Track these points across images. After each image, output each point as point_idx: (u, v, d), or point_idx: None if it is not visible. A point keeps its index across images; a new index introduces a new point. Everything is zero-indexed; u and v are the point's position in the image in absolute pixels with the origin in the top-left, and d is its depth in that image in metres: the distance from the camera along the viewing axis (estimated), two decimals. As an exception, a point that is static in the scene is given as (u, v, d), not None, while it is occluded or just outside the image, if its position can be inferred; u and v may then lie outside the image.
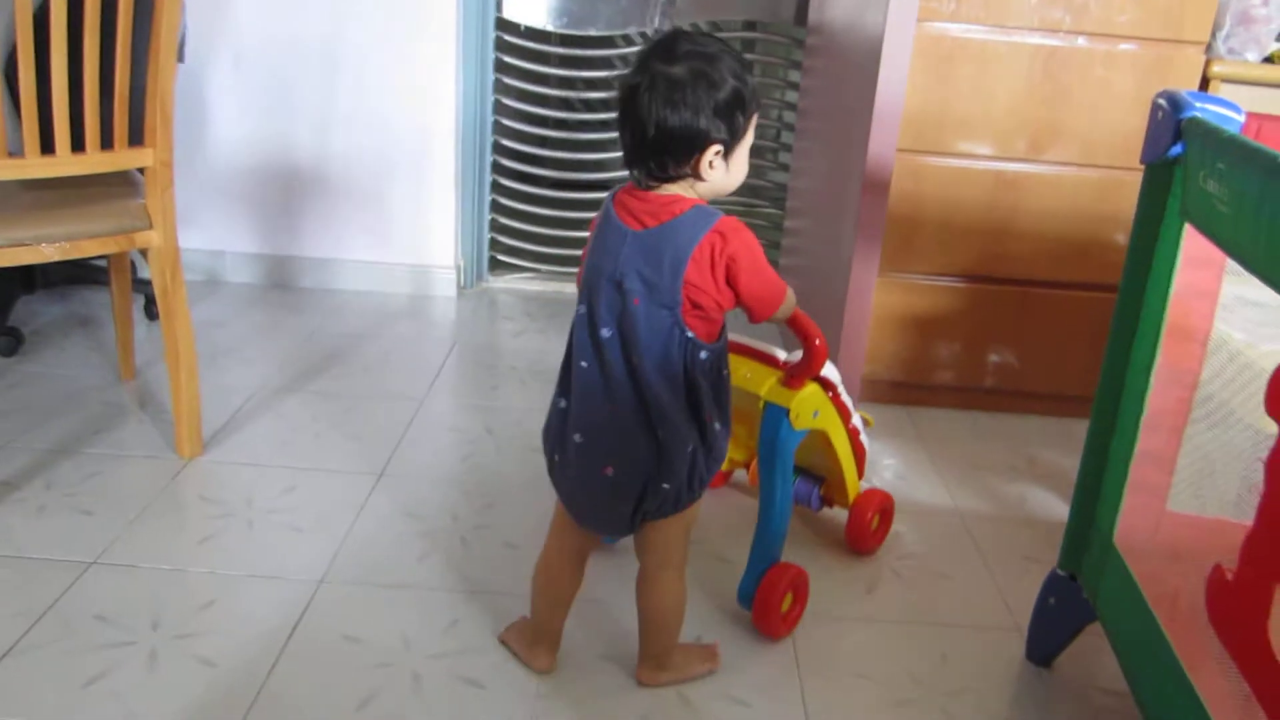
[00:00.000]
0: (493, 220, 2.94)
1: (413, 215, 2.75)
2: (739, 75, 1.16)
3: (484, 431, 2.02)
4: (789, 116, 2.95)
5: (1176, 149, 1.18)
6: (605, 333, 1.20)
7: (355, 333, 2.49)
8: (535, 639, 1.37)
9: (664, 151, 1.15)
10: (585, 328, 1.23)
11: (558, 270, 2.97)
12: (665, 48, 1.15)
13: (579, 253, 2.90)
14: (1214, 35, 2.05)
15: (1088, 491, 1.36)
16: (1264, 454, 0.99)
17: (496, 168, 2.91)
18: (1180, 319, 1.25)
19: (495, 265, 2.99)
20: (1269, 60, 2.10)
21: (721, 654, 1.40)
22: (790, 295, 1.28)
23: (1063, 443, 2.13)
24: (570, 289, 2.94)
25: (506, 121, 2.86)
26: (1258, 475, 1.07)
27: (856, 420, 1.64)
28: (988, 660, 1.44)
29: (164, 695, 1.27)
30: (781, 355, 1.56)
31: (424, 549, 1.61)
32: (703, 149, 1.15)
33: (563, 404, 1.30)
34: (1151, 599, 1.15)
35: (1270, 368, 1.28)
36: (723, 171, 1.17)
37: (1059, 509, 1.87)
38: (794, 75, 2.91)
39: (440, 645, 1.39)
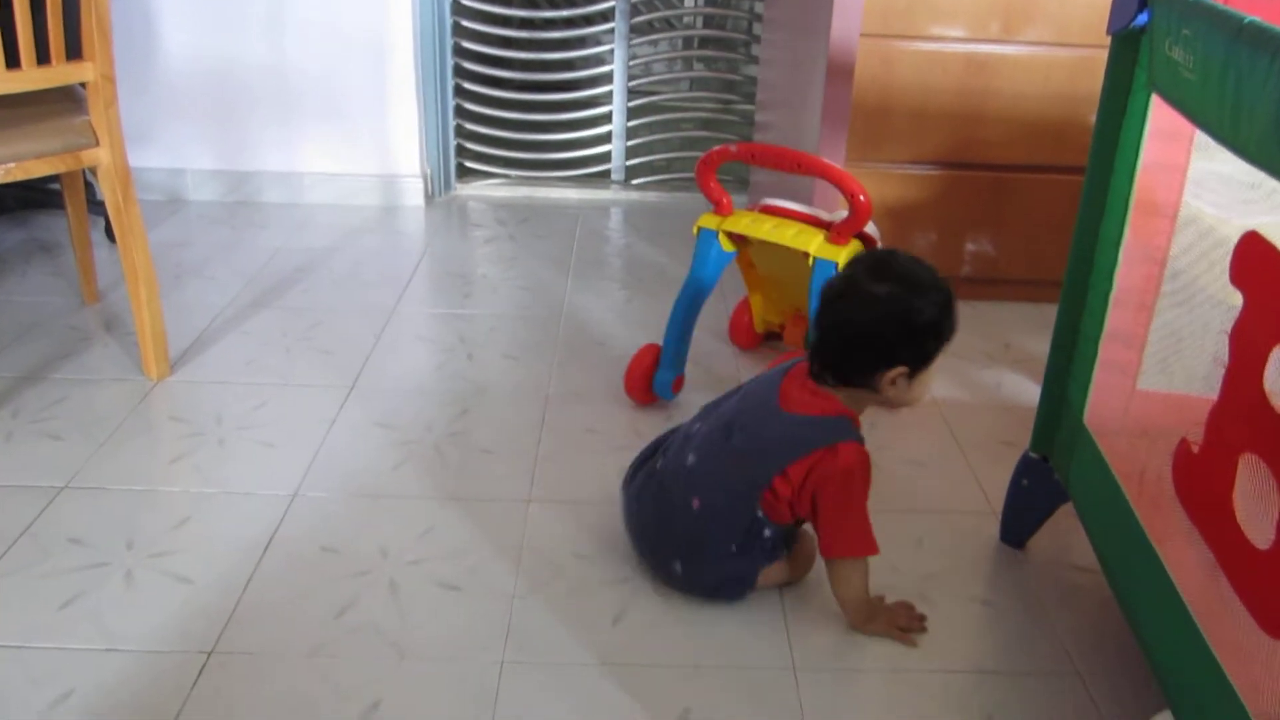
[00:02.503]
0: (459, 126, 2.87)
1: (375, 124, 2.68)
2: (940, 306, 1.19)
3: (456, 340, 2.01)
4: (759, 6, 2.87)
5: (1143, 17, 1.14)
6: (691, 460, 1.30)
7: (322, 246, 2.45)
8: None
9: (847, 363, 1.21)
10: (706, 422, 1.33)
11: (527, 175, 2.92)
12: (877, 265, 1.22)
13: (549, 156, 2.87)
14: (1189, -99, 1.98)
15: (1059, 372, 1.35)
16: (1229, 327, 0.98)
17: (460, 71, 2.83)
18: (1148, 194, 1.23)
19: (463, 172, 2.93)
20: (1245, -74, 2.03)
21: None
22: (863, 565, 1.25)
23: (1039, 328, 2.12)
24: (541, 192, 2.89)
25: (467, 23, 2.78)
26: (1224, 349, 1.06)
27: None
28: (963, 544, 1.46)
29: (141, 613, 1.27)
30: (825, 215, 1.67)
31: (398, 458, 1.61)
32: (887, 369, 1.19)
33: (696, 426, 1.35)
34: (1121, 476, 1.15)
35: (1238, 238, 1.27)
36: (904, 390, 1.22)
37: (1034, 393, 1.86)
38: (762, -38, 2.82)
39: (417, 552, 1.39)
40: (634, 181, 2.94)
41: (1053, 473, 1.37)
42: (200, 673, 1.18)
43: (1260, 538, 0.86)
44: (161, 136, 2.67)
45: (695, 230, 1.70)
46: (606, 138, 2.92)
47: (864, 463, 1.22)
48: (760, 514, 1.25)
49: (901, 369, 1.20)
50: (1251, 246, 0.93)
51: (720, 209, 1.70)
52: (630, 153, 2.94)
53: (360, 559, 1.38)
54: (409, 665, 1.20)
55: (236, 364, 1.88)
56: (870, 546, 1.23)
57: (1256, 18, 0.90)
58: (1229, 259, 0.96)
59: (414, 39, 2.60)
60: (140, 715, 1.12)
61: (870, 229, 1.65)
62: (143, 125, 2.62)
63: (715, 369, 1.92)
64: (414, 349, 1.97)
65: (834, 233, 1.61)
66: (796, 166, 1.63)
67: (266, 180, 2.72)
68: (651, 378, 1.74)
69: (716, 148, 1.68)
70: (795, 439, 1.22)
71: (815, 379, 1.24)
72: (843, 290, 1.22)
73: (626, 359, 1.78)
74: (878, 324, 1.19)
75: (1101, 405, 1.29)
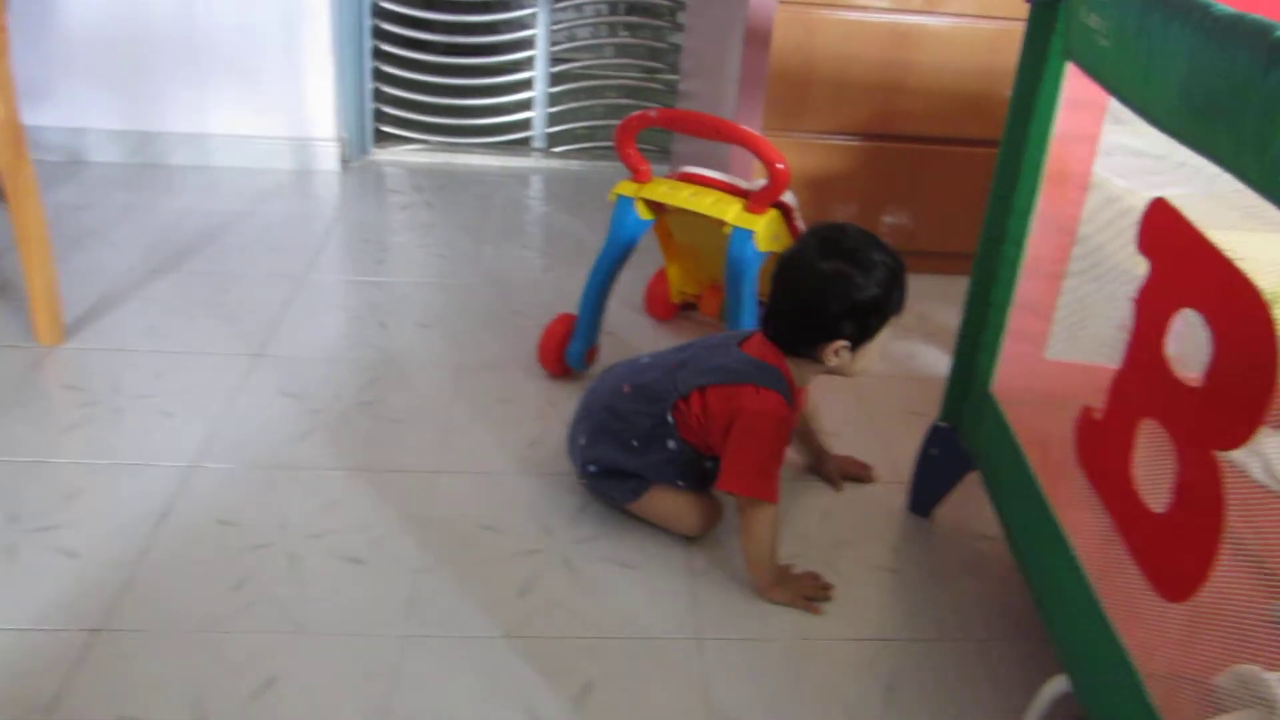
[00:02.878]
0: (377, 90, 2.79)
1: (288, 85, 2.59)
2: (884, 284, 1.23)
3: (368, 308, 1.95)
4: (683, -27, 2.84)
5: (1059, -17, 1.14)
6: (645, 359, 1.39)
7: (230, 211, 2.37)
8: None
9: (793, 330, 1.26)
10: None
11: (448, 141, 2.85)
12: (827, 240, 1.25)
13: (469, 122, 2.81)
14: (1107, -125, 1.99)
15: (968, 341, 1.35)
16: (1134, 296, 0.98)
17: (378, 33, 2.75)
18: (1061, 163, 1.23)
19: (381, 137, 2.86)
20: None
21: (607, 518, 1.39)
22: (769, 519, 1.26)
23: (954, 300, 2.12)
24: (460, 159, 2.83)
25: (385, -18, 2.70)
26: (1129, 316, 1.06)
27: None
28: (871, 513, 1.46)
29: (23, 590, 1.21)
30: (743, 184, 1.63)
31: (304, 428, 1.56)
32: (830, 341, 1.24)
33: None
34: (1025, 444, 1.16)
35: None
36: (847, 362, 1.26)
37: (946, 365, 1.86)
38: (686, -72, 2.78)
39: (319, 524, 1.35)
40: (555, 149, 2.90)
41: (960, 442, 1.37)
42: (85, 651, 1.13)
43: (1157, 502, 0.86)
44: (60, 94, 2.55)
45: (612, 197, 1.67)
46: (528, 104, 2.86)
47: (782, 416, 1.25)
48: (670, 419, 1.29)
49: (843, 342, 1.24)
50: (1159, 214, 0.93)
51: (638, 176, 1.67)
52: (552, 120, 2.89)
53: (259, 532, 1.33)
54: (307, 640, 1.16)
55: (136, 331, 1.81)
56: (769, 493, 1.24)
57: (1164, -17, 0.90)
58: (1138, 226, 0.96)
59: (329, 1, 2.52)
60: (15, 697, 1.07)
61: (788, 198, 1.63)
62: (39, 81, 2.50)
63: (630, 340, 1.90)
64: (324, 317, 1.91)
65: (752, 201, 1.59)
66: (715, 133, 1.60)
67: (173, 142, 2.62)
68: (565, 348, 1.71)
69: (635, 113, 1.64)
70: (728, 368, 1.28)
71: (771, 340, 1.29)
72: (791, 262, 1.26)
73: (542, 329, 1.75)
74: (820, 298, 1.23)
75: (1009, 374, 1.29)
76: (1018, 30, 2.05)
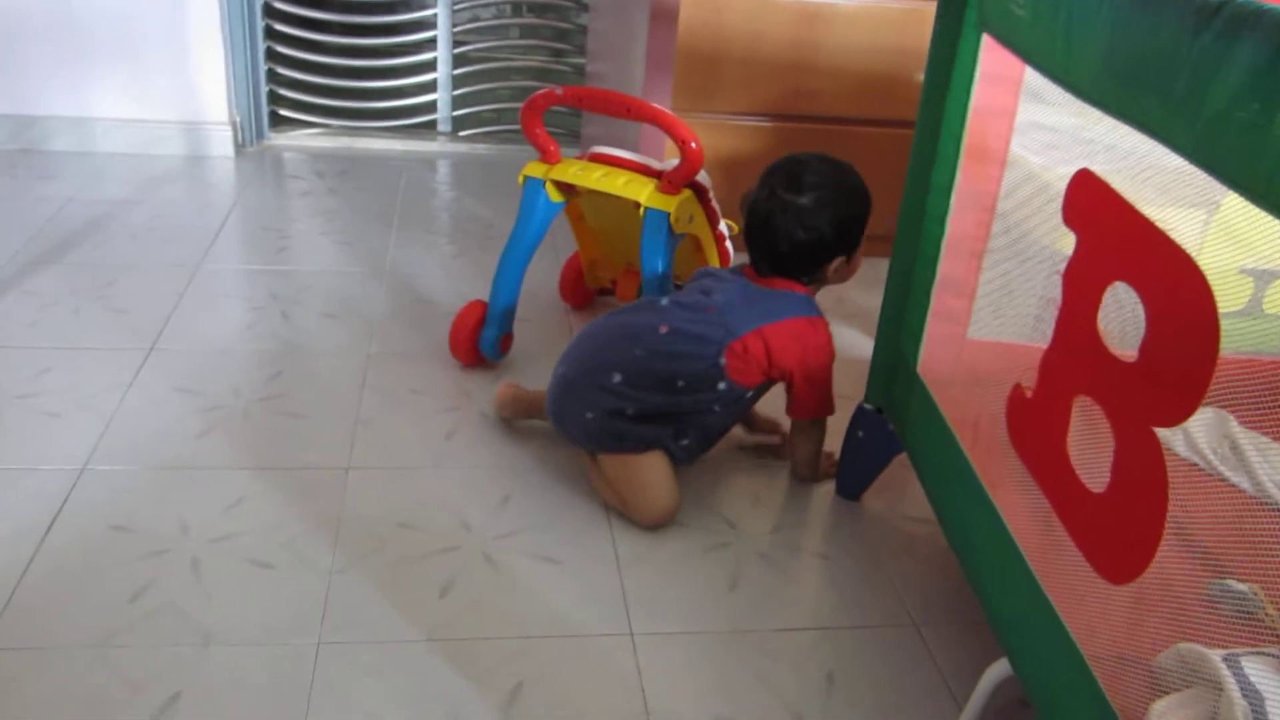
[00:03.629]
0: (271, 71, 2.68)
1: (177, 66, 2.47)
2: (860, 197, 1.38)
3: (269, 298, 1.86)
4: (588, -48, 2.79)
5: (974, -45, 1.12)
6: (664, 301, 1.38)
7: (118, 199, 2.24)
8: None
9: (794, 264, 1.37)
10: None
11: (349, 125, 2.76)
12: (791, 177, 1.36)
13: (370, 104, 2.71)
14: None
15: (892, 322, 1.34)
16: (1062, 269, 0.97)
17: (271, 12, 2.64)
18: (979, 139, 1.22)
19: (278, 121, 2.74)
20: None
21: (530, 511, 1.34)
22: (824, 424, 1.44)
23: (873, 282, 2.12)
24: (362, 143, 2.74)
25: (277, -42, 2.59)
26: (1056, 293, 1.06)
27: (723, 226, 1.70)
28: (799, 498, 1.44)
29: (-106, 609, 1.11)
30: (655, 164, 1.61)
31: (202, 426, 1.47)
32: (829, 261, 1.37)
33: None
34: (955, 425, 1.14)
35: (1063, 187, 1.27)
36: (843, 271, 1.41)
37: (868, 347, 1.87)
38: (591, -94, 2.73)
39: (223, 527, 1.27)
40: (461, 133, 2.82)
41: (888, 424, 1.36)
42: (-35, 673, 1.04)
43: (1095, 481, 0.85)
44: (-74, 75, 2.39)
45: (520, 180, 1.62)
46: (431, 86, 2.78)
47: (830, 339, 1.38)
48: (722, 360, 1.32)
49: (840, 257, 1.38)
50: (1084, 185, 0.92)
51: (547, 157, 1.61)
52: (457, 103, 2.81)
53: (158, 537, 1.25)
54: (214, 652, 1.09)
55: (17, 327, 1.69)
56: (832, 407, 1.40)
57: (1088, -48, 0.89)
58: (1061, 199, 0.94)
59: (217, -27, 2.40)
60: (-110, 726, 0.98)
61: (702, 178, 1.60)
62: (-98, 62, 2.34)
63: (545, 327, 1.85)
64: (221, 308, 1.82)
65: (665, 182, 1.55)
66: (626, 111, 1.55)
67: (54, 126, 2.48)
68: (477, 336, 1.66)
69: (541, 91, 1.59)
70: (781, 306, 1.35)
71: (766, 276, 1.39)
72: (770, 209, 1.35)
73: (452, 317, 1.69)
74: (813, 232, 1.34)
75: (934, 355, 1.28)
76: (926, 11, 2.06)
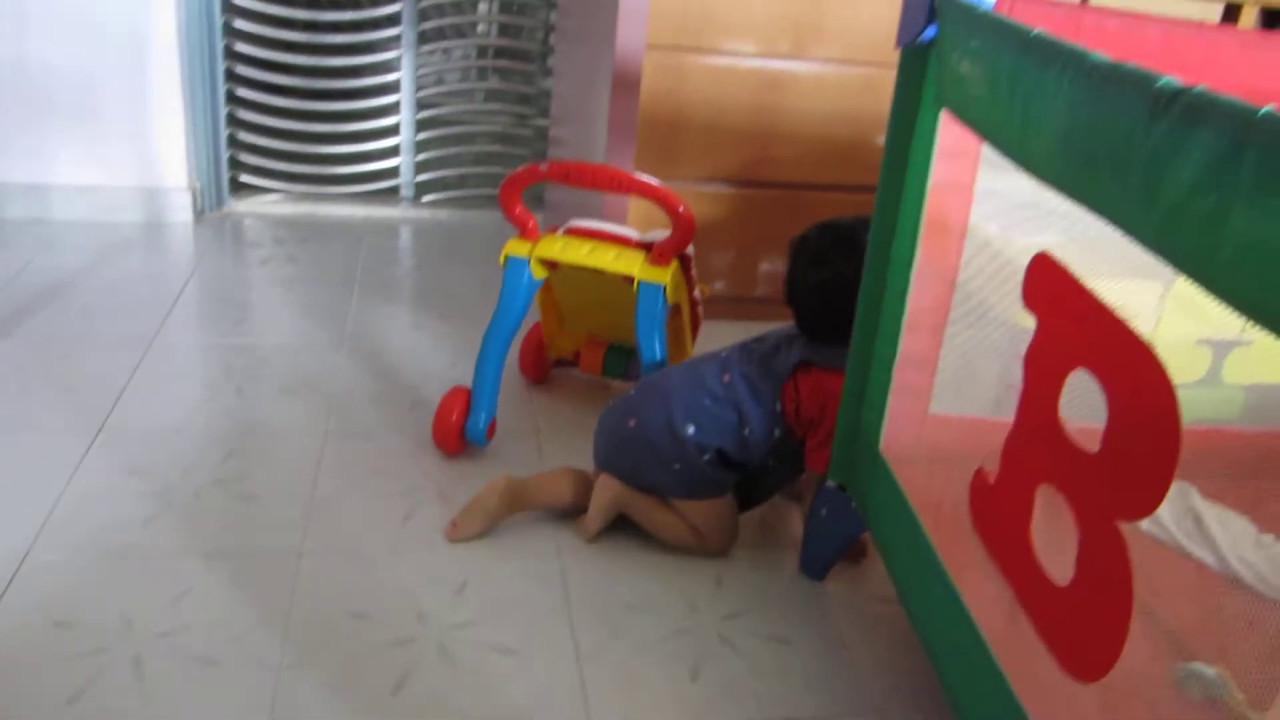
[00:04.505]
0: (232, 136, 2.66)
1: (134, 132, 2.44)
2: None
3: (224, 373, 1.82)
4: (555, 16, 2.79)
5: (931, 30, 1.12)
6: (725, 352, 1.46)
7: (72, 268, 2.20)
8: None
9: (829, 326, 1.39)
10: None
11: (309, 190, 2.73)
12: (821, 251, 1.42)
13: (332, 170, 2.69)
14: (965, -74, 2.03)
15: (854, 398, 1.32)
16: (1023, 350, 0.96)
17: (233, 76, 2.62)
18: (938, 213, 1.21)
19: (238, 187, 2.72)
20: (1017, -48, 2.10)
21: (488, 599, 1.30)
22: None
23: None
24: (324, 209, 2.71)
25: (242, 24, 2.57)
26: (1017, 373, 1.04)
27: (696, 292, 1.70)
28: (764, 579, 1.40)
29: None
30: (636, 235, 1.61)
31: (150, 511, 1.43)
32: None
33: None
34: (918, 506, 1.12)
35: (1025, 261, 1.26)
36: None
37: (832, 413, 1.85)
38: (554, -27, 2.75)
39: (168, 621, 1.22)
40: (424, 198, 2.80)
41: (851, 502, 1.34)
42: (-114, 789, 0.98)
43: (1059, 573, 0.83)
44: (-123, 146, 2.35)
45: (502, 260, 1.58)
46: (394, 151, 2.77)
47: None
48: (778, 407, 1.38)
49: None
50: (1042, 269, 0.90)
51: (527, 234, 1.59)
52: (420, 168, 2.80)
53: (100, 633, 1.20)
54: (152, 758, 1.04)
55: (-41, 407, 1.65)
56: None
57: (1042, 30, 0.88)
58: (1021, 280, 0.93)
59: (178, 37, 2.38)
60: None
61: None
62: None
63: (507, 401, 1.82)
64: (175, 384, 1.78)
65: (655, 253, 1.54)
66: (613, 184, 1.54)
67: (8, 193, 2.44)
68: (463, 425, 1.59)
69: (523, 167, 1.56)
70: (817, 351, 1.39)
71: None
72: (800, 281, 1.42)
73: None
74: (841, 299, 1.34)
75: (896, 432, 1.26)
76: (886, 76, 2.07)
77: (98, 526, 1.38)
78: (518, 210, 1.58)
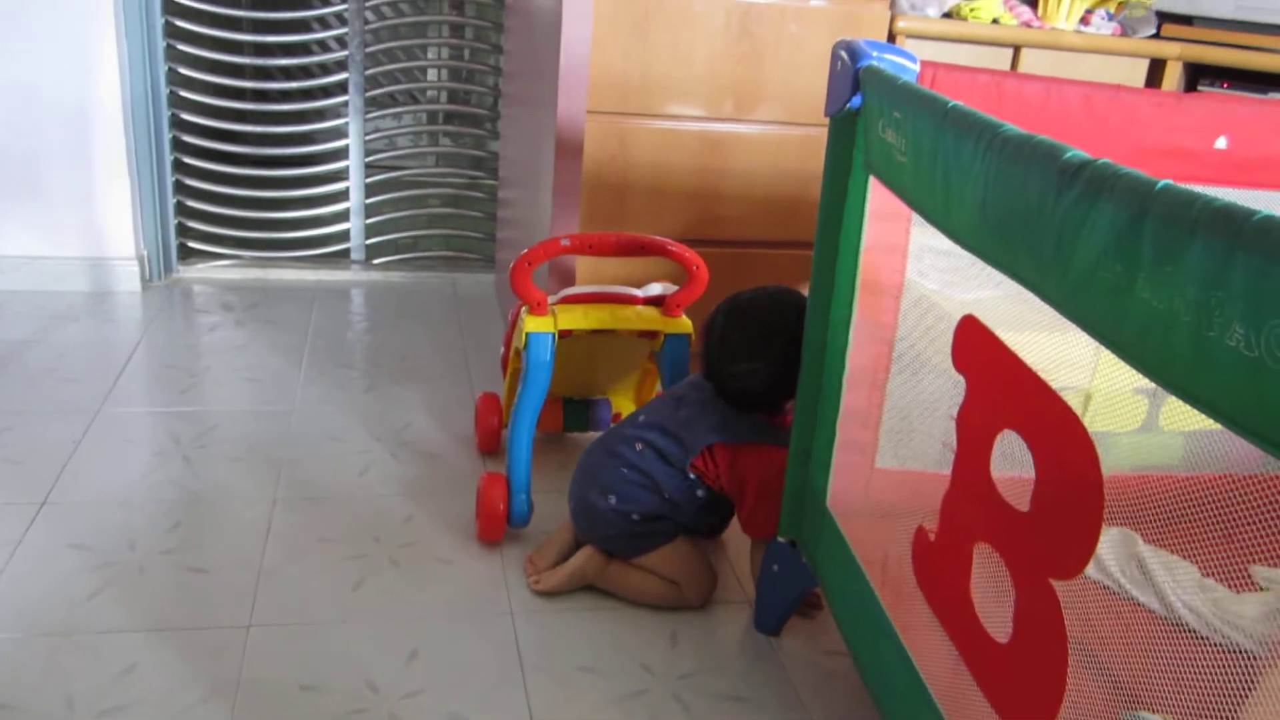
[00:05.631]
0: (180, 203, 2.66)
1: (80, 202, 2.43)
2: (789, 319, 1.38)
3: (171, 442, 1.81)
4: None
5: (856, 100, 1.16)
6: (641, 417, 1.51)
7: (15, 339, 2.18)
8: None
9: (751, 408, 1.43)
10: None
11: (258, 256, 2.73)
12: (725, 346, 1.42)
13: (282, 235, 2.70)
14: (897, -9, 2.10)
15: (800, 455, 1.34)
16: (955, 410, 0.98)
17: (180, 145, 2.63)
18: (873, 273, 1.25)
19: (186, 253, 2.71)
20: (948, 15, 2.18)
21: (439, 666, 1.30)
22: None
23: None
24: (274, 274, 2.71)
25: (188, 94, 2.58)
26: (952, 433, 1.07)
27: None
28: (718, 636, 1.41)
29: None
30: (639, 292, 1.69)
31: (94, 585, 1.41)
32: (785, 400, 1.42)
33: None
34: (864, 562, 1.14)
35: (958, 315, 1.30)
36: None
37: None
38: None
39: (112, 698, 1.21)
40: (375, 261, 2.81)
41: (801, 556, 1.35)
42: None
43: (999, 631, 0.85)
44: None
45: (523, 340, 1.58)
46: (345, 215, 2.78)
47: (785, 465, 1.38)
48: (692, 476, 1.42)
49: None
50: (969, 331, 0.93)
51: (538, 309, 1.60)
52: (371, 231, 2.81)
53: (41, 716, 1.18)
54: (95, 843, 1.02)
55: (-102, 484, 1.62)
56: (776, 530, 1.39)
57: (959, 103, 0.92)
58: (950, 342, 0.96)
59: (123, 108, 2.39)
60: None
61: (671, 288, 1.71)
62: None
63: (458, 465, 1.82)
64: (121, 454, 1.76)
65: (670, 306, 1.66)
66: (640, 250, 1.64)
67: (-50, 266, 2.42)
68: (507, 513, 1.56)
69: (540, 244, 1.58)
70: (731, 427, 1.41)
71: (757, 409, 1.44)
72: (714, 368, 1.43)
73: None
74: (758, 392, 1.41)
75: (843, 487, 1.28)
76: (822, 136, 2.13)
77: (39, 603, 1.36)
78: (530, 287, 1.58)
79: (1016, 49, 2.20)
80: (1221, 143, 1.30)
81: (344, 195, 2.76)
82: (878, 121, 1.08)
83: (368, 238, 2.80)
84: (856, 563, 1.15)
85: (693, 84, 2.01)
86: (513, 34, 2.44)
